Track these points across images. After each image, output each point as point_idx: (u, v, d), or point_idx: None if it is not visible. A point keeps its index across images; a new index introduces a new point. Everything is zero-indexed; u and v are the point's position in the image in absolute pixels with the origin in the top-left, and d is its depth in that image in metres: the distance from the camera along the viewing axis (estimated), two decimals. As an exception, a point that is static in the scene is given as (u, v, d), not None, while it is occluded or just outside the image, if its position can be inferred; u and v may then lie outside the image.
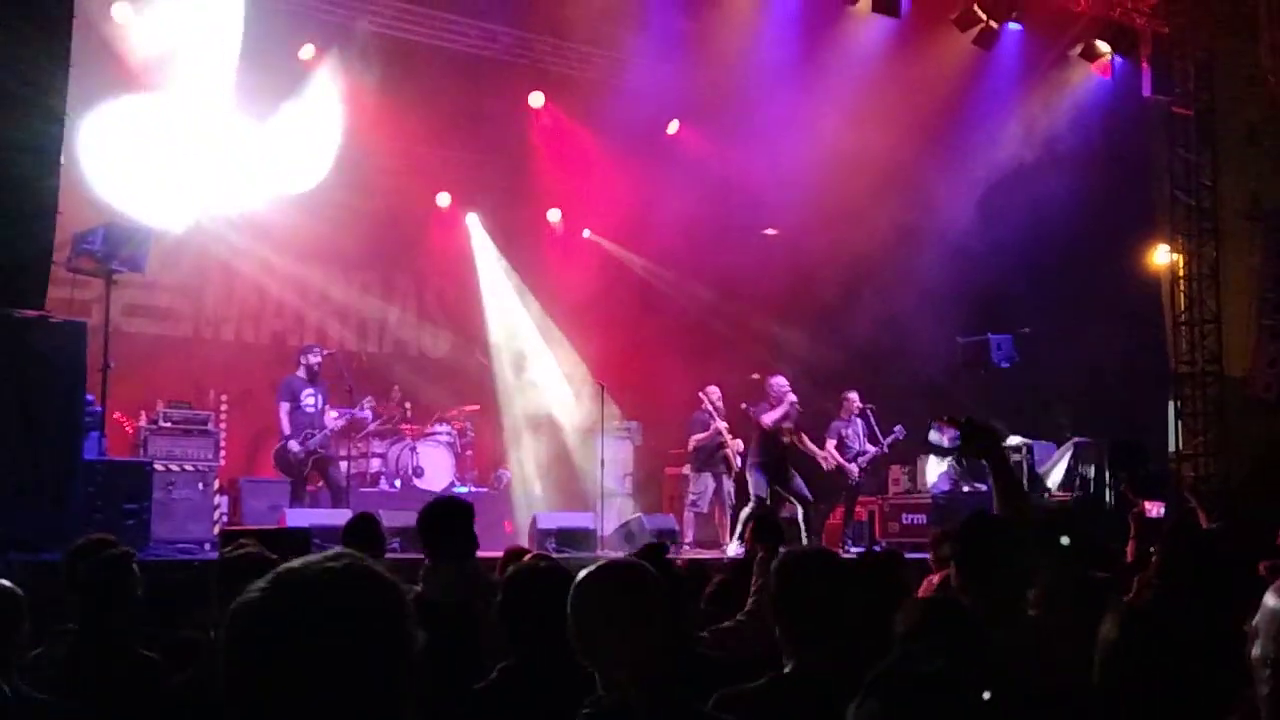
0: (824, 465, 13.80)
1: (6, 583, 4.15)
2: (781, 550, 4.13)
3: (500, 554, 6.86)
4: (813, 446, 13.79)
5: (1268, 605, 2.04)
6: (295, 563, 1.74)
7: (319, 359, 13.01)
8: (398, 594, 1.75)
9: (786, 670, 3.34)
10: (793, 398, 13.32)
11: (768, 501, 13.04)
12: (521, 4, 14.27)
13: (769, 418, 13.21)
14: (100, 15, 12.50)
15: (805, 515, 13.07)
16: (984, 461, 4.23)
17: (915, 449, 14.93)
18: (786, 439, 13.28)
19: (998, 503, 3.88)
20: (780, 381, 13.44)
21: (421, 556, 5.68)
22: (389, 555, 7.34)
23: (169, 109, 13.30)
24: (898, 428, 14.05)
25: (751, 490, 13.22)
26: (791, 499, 13.12)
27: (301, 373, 12.88)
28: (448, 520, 5.54)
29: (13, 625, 4.01)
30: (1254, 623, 2.05)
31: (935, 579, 5.18)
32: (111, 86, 12.78)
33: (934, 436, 4.28)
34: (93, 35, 11.77)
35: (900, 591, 4.76)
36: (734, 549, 12.69)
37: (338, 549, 1.79)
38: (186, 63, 13.13)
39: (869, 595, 3.49)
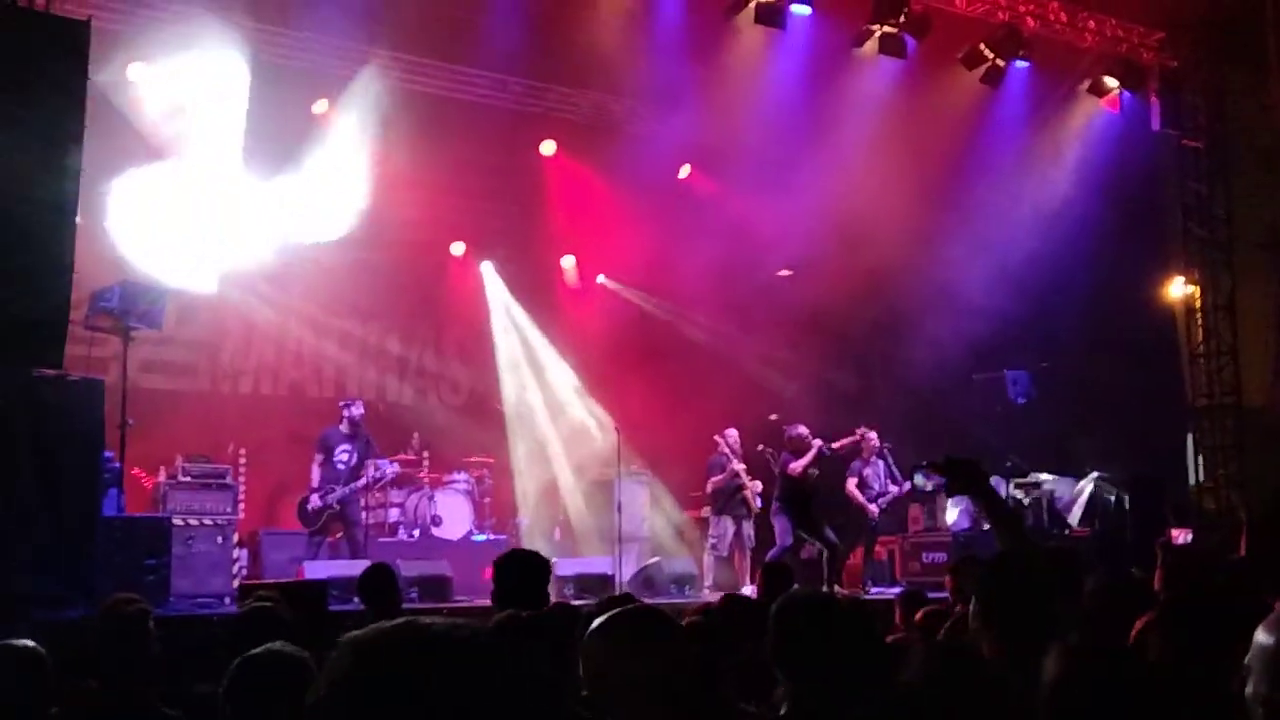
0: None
1: (30, 642, 4.17)
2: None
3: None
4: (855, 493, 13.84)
5: (1259, 642, 2.03)
6: (426, 622, 1.67)
7: (361, 411, 13.02)
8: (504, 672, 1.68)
9: (783, 712, 3.33)
10: (818, 442, 13.33)
11: (790, 546, 13.03)
12: (532, 54, 14.38)
13: (797, 465, 13.20)
14: (116, 75, 12.63)
15: (830, 558, 13.02)
16: (971, 498, 4.17)
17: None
18: (810, 484, 13.29)
19: (997, 536, 3.83)
20: (801, 431, 13.42)
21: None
22: (407, 605, 7.35)
23: (184, 167, 13.39)
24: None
25: (777, 536, 13.18)
26: (816, 542, 13.07)
27: (344, 426, 12.88)
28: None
29: (36, 684, 4.03)
30: (1247, 659, 2.04)
31: (919, 616, 5.15)
32: (127, 144, 12.89)
33: (919, 480, 4.28)
34: (108, 94, 11.88)
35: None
36: (748, 590, 12.66)
37: (452, 620, 1.70)
38: (200, 119, 13.24)
39: (869, 638, 3.46)
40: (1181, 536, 14.13)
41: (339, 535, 12.94)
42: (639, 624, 3.03)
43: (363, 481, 12.90)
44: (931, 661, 3.30)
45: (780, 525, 13.17)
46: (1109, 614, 4.94)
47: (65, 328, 9.27)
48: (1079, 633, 3.80)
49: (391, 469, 13.40)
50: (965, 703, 2.84)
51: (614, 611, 3.09)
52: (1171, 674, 2.94)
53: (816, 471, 13.37)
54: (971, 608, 3.76)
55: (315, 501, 12.54)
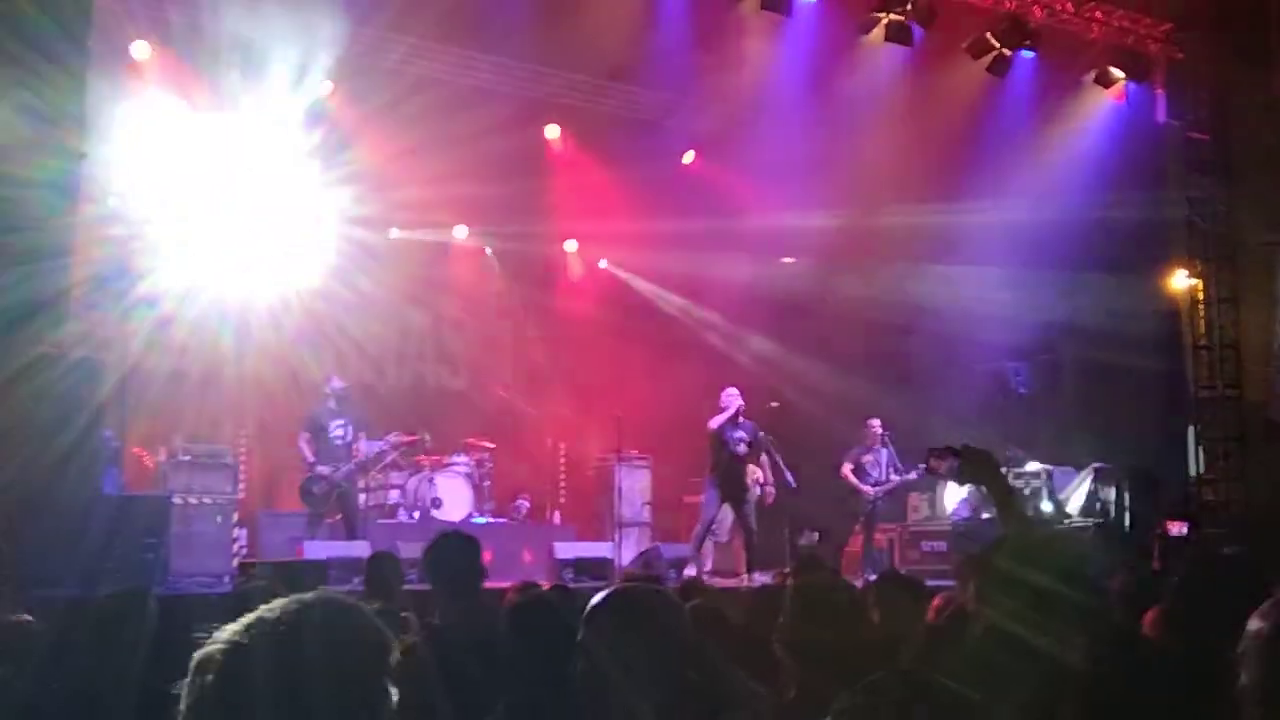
0: (758, 489, 13.45)
1: (28, 616, 4.17)
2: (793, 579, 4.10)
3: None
4: (767, 474, 13.51)
5: (1251, 630, 2.02)
6: (276, 602, 1.73)
7: (343, 384, 12.93)
8: (378, 641, 1.72)
9: (792, 695, 3.33)
10: (738, 404, 13.10)
11: (713, 518, 12.99)
12: (535, 38, 14.33)
13: (714, 421, 13.09)
14: (121, 52, 12.61)
15: (746, 543, 12.97)
16: (982, 487, 4.16)
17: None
18: (743, 449, 13.11)
19: (1001, 525, 3.84)
20: (727, 392, 13.28)
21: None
22: (407, 586, 7.39)
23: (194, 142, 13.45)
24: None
25: (702, 505, 13.15)
26: (739, 520, 13.01)
27: (331, 403, 12.80)
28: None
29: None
30: (1241, 649, 2.03)
31: (937, 601, 5.16)
32: (133, 122, 12.89)
33: (932, 464, 4.32)
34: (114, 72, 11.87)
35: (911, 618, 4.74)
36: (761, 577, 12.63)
37: (322, 590, 1.76)
38: (206, 99, 13.27)
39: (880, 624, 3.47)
40: (1176, 528, 14.17)
41: (337, 516, 12.92)
42: (641, 603, 3.01)
43: (363, 456, 12.79)
44: (931, 644, 3.31)
45: (706, 496, 13.16)
46: (1129, 607, 4.99)
47: (67, 307, 9.27)
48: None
49: (384, 446, 13.32)
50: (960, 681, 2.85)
51: (614, 590, 3.07)
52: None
53: (744, 438, 13.11)
54: (970, 589, 3.76)
55: (322, 480, 12.39)
